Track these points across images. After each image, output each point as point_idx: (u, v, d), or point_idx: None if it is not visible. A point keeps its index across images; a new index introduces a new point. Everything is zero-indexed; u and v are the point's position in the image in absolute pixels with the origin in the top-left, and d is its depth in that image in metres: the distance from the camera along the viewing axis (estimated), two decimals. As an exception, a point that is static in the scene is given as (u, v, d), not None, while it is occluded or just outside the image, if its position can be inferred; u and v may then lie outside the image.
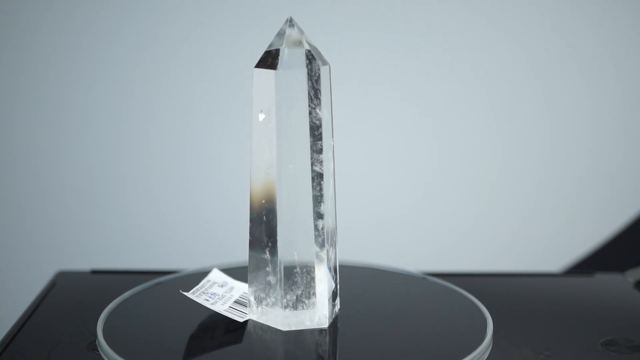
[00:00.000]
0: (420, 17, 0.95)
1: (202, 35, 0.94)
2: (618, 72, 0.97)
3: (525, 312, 0.61)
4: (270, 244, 0.53)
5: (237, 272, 0.66)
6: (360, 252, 0.76)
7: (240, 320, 0.54)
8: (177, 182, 0.97)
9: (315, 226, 0.53)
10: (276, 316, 0.53)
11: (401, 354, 0.51)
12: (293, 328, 0.53)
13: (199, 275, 0.66)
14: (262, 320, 0.54)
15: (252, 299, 0.55)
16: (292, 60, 0.51)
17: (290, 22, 0.52)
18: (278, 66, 0.51)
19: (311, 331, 0.53)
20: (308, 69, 0.51)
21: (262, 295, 0.54)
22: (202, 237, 0.97)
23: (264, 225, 0.53)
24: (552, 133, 0.99)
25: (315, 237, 0.53)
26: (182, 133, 0.96)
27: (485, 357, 0.52)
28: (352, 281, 0.61)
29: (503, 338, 0.55)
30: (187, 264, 0.85)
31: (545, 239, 1.00)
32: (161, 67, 0.95)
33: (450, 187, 0.99)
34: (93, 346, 0.53)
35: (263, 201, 0.53)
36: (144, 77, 0.95)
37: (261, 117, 0.52)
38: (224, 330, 0.54)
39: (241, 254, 0.81)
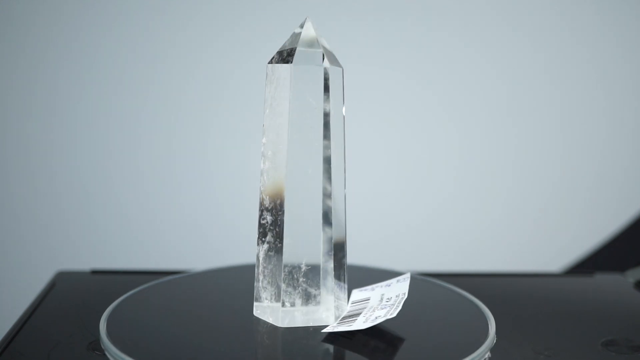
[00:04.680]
0: (435, 16, 0.95)
1: (195, 35, 0.94)
2: (617, 73, 0.97)
3: (525, 312, 0.61)
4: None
5: (239, 272, 0.66)
6: (360, 252, 0.76)
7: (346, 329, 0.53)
8: (177, 183, 0.97)
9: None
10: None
11: (404, 354, 0.51)
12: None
13: (200, 276, 0.66)
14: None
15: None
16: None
17: (307, 23, 0.53)
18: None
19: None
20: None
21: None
22: (203, 237, 0.97)
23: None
24: (551, 134, 0.99)
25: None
26: (183, 133, 0.96)
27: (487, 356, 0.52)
28: (354, 282, 0.61)
29: (503, 338, 0.55)
30: (187, 264, 0.85)
31: (545, 239, 1.00)
32: (158, 68, 0.95)
33: (450, 188, 0.99)
34: (93, 346, 0.53)
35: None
36: (145, 78, 0.95)
37: (314, 107, 0.53)
38: (226, 329, 0.54)
39: (242, 255, 0.81)
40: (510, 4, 0.96)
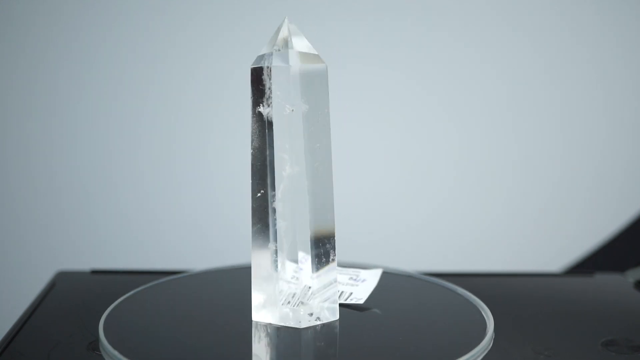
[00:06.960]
0: (437, 16, 0.95)
1: (195, 35, 0.94)
2: (617, 73, 0.97)
3: (525, 312, 0.61)
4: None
5: (239, 272, 0.66)
6: (360, 252, 0.76)
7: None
8: (177, 183, 0.97)
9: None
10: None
11: (402, 353, 0.51)
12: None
13: (200, 276, 0.66)
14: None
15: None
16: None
17: (286, 23, 0.53)
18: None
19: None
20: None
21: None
22: (203, 237, 0.97)
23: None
24: (551, 134, 0.99)
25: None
26: (183, 133, 0.96)
27: (487, 353, 0.52)
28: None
29: (503, 338, 0.55)
30: (187, 264, 0.85)
31: (545, 239, 1.00)
32: (158, 68, 0.95)
33: (450, 188, 0.99)
34: (93, 346, 0.53)
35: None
36: (145, 78, 0.95)
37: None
38: (226, 329, 0.54)
39: (242, 255, 0.81)
40: (510, 4, 0.96)
